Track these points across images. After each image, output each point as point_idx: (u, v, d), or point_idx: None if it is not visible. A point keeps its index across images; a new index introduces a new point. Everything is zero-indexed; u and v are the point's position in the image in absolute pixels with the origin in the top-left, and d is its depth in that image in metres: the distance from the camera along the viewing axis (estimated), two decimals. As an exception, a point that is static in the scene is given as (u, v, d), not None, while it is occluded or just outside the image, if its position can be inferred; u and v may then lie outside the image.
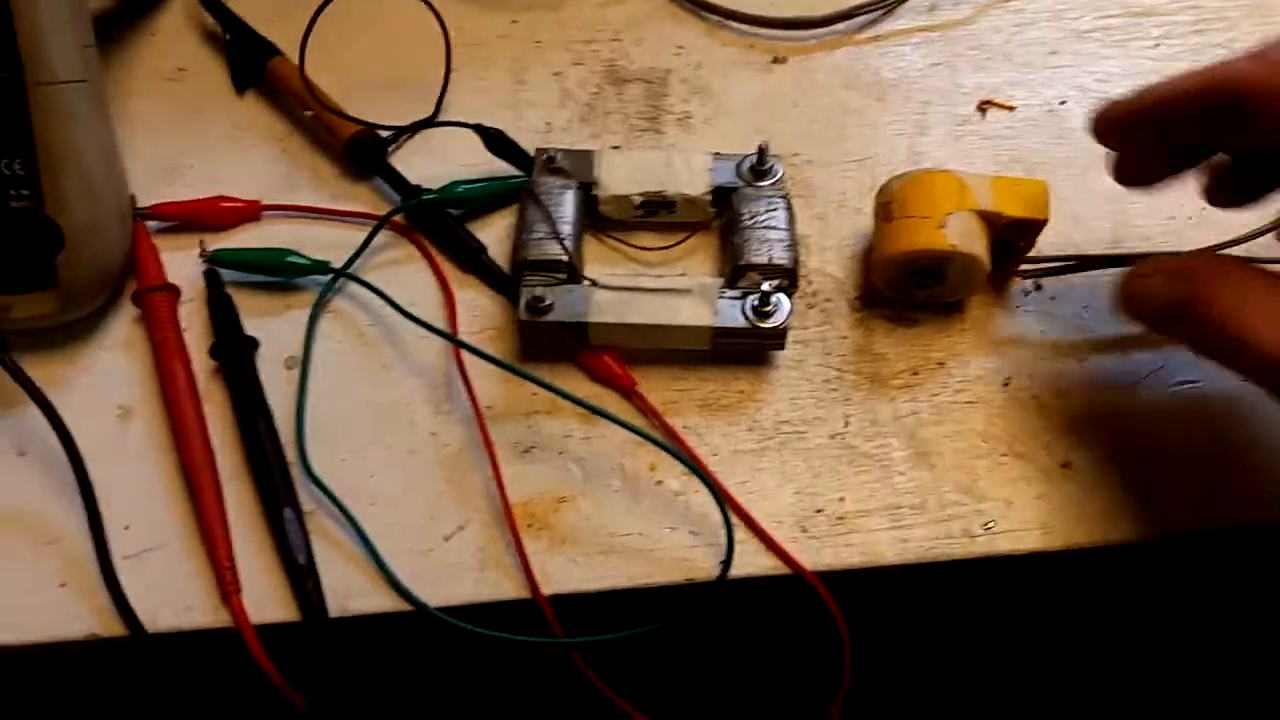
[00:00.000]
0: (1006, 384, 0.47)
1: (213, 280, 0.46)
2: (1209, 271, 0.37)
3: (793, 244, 0.46)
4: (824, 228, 0.50)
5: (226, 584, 0.41)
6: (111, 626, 0.40)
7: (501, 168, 0.50)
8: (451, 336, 0.45)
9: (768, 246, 0.45)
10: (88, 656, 0.41)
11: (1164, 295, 0.37)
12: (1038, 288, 0.49)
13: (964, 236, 0.44)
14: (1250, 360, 0.35)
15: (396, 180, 0.49)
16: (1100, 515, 0.44)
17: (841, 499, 0.44)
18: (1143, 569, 0.51)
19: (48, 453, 0.42)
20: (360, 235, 0.48)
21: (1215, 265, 0.39)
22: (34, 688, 0.47)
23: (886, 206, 0.45)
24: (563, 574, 0.42)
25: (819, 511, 0.44)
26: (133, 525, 0.42)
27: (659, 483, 0.44)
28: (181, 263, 0.48)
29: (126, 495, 0.43)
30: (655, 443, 0.42)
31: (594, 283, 0.45)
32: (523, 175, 0.49)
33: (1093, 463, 0.45)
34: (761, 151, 0.47)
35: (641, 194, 0.48)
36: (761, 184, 0.48)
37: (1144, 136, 0.40)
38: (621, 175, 0.48)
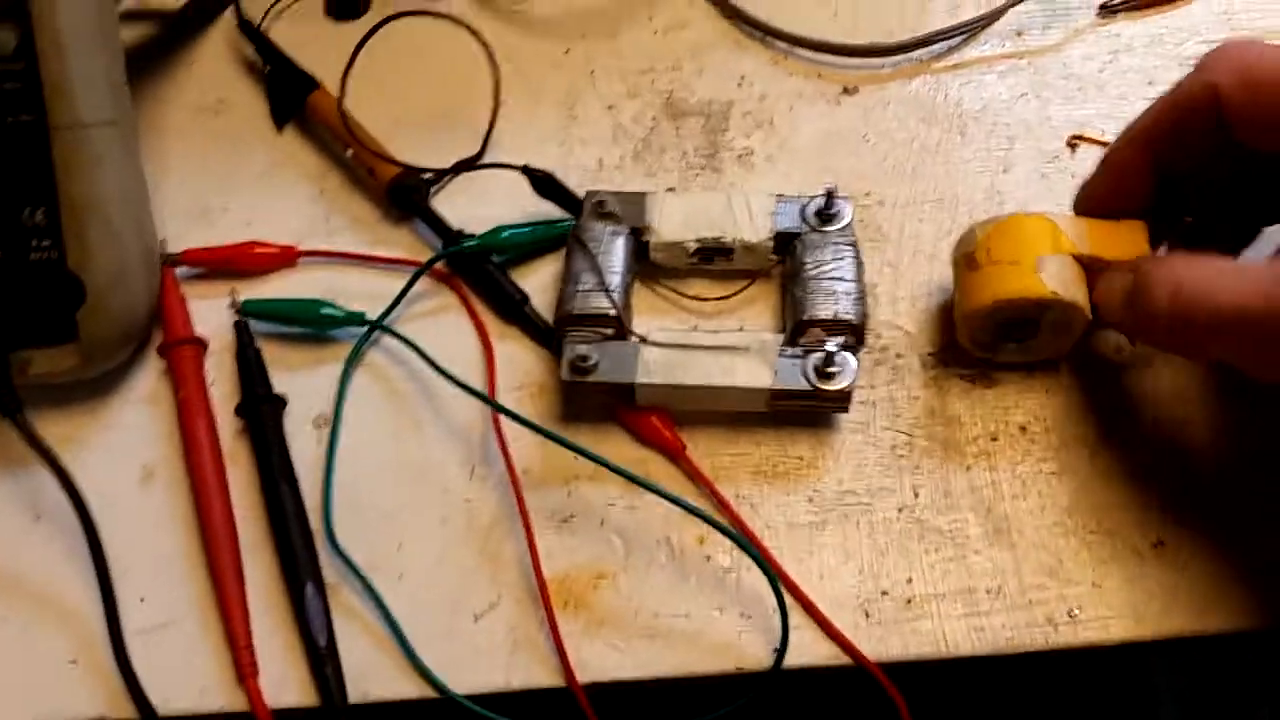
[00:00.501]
0: (1095, 452, 0.42)
1: (242, 333, 0.44)
2: (1154, 260, 0.38)
3: (861, 297, 0.42)
4: (896, 276, 0.46)
5: (244, 665, 0.38)
6: (122, 708, 0.38)
7: (549, 209, 0.47)
8: (488, 399, 0.42)
9: (833, 300, 0.41)
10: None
11: (1121, 288, 0.38)
12: (1131, 343, 0.44)
13: (1062, 282, 0.39)
14: (1210, 326, 0.34)
15: (438, 224, 0.46)
16: (1197, 601, 0.39)
17: (909, 580, 0.40)
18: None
19: (64, 517, 0.40)
20: (399, 282, 0.45)
21: (1160, 257, 0.41)
22: None
23: (970, 256, 0.41)
24: (601, 660, 0.39)
25: (884, 594, 0.40)
26: (149, 598, 0.40)
27: (708, 558, 0.41)
28: (210, 311, 0.46)
29: (144, 564, 0.41)
30: (703, 517, 0.38)
31: (643, 340, 0.41)
32: (570, 219, 0.46)
33: (1188, 542, 0.40)
34: (829, 195, 0.43)
35: (697, 240, 0.44)
36: (828, 229, 0.44)
37: (1134, 172, 0.40)
38: (676, 220, 0.44)
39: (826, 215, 0.44)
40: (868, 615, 0.39)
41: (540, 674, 0.39)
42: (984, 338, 0.42)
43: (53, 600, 0.40)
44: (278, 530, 0.40)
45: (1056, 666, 0.40)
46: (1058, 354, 0.43)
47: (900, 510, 0.41)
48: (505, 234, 0.45)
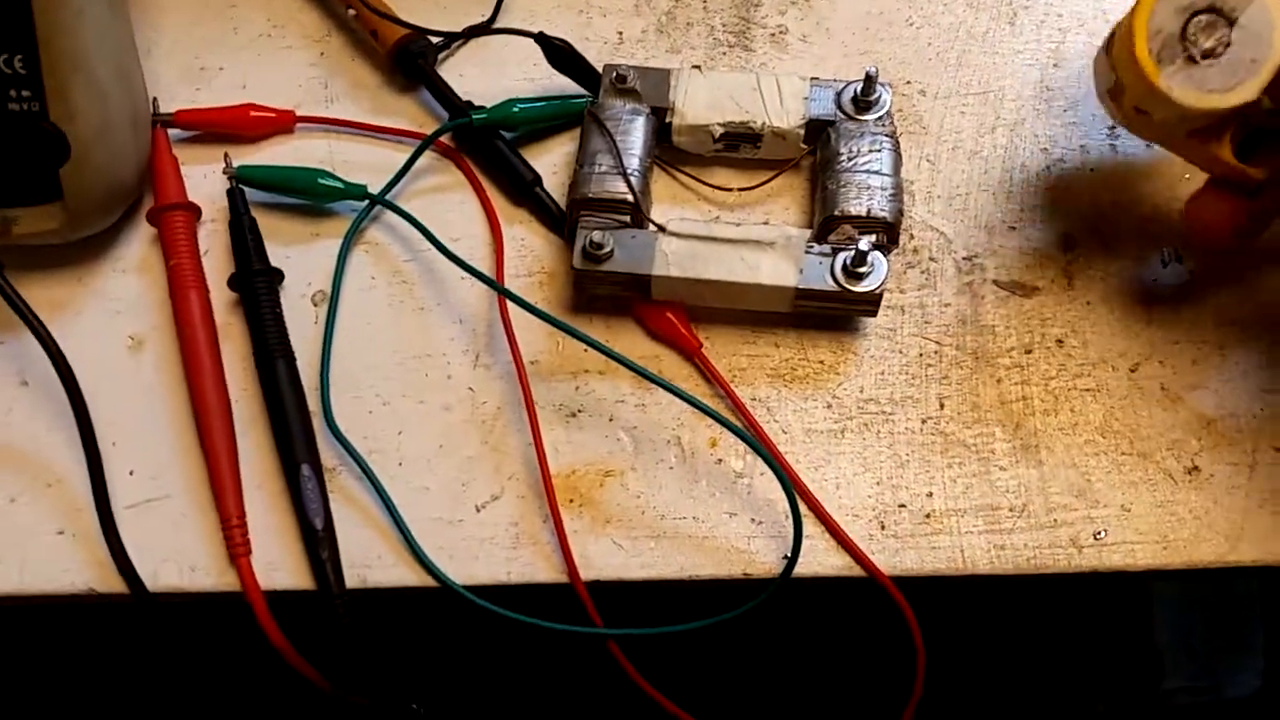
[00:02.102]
0: (1134, 370, 0.40)
1: (236, 200, 0.41)
2: None
3: (897, 193, 0.39)
4: (933, 173, 0.43)
5: (235, 544, 0.37)
6: (110, 582, 0.37)
7: (564, 84, 0.44)
8: (495, 283, 0.39)
9: (867, 195, 0.39)
10: (86, 611, 0.38)
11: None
12: (1178, 259, 0.42)
13: None
14: None
15: (445, 94, 0.43)
16: (1228, 531, 0.38)
17: (930, 494, 0.38)
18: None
19: (52, 384, 0.38)
20: (401, 155, 0.42)
21: None
22: (30, 638, 0.45)
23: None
24: (605, 558, 0.37)
25: (902, 507, 0.38)
26: (138, 471, 0.38)
27: (719, 461, 0.39)
28: (204, 179, 0.43)
29: (133, 436, 0.39)
30: (716, 418, 0.36)
31: (661, 228, 0.39)
32: (587, 95, 0.43)
33: (1224, 470, 0.38)
34: (868, 79, 0.40)
35: (723, 124, 0.41)
36: (865, 117, 0.41)
37: None
38: (701, 101, 0.41)
39: (864, 103, 0.41)
40: (883, 527, 0.38)
41: (542, 569, 0.37)
42: (1171, 27, 0.34)
43: (40, 469, 0.38)
44: (273, 408, 0.38)
45: (1060, 585, 0.39)
46: (1244, 97, 0.34)
47: (924, 421, 0.39)
48: (517, 108, 0.42)
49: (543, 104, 0.43)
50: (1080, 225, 0.42)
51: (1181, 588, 0.80)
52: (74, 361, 0.38)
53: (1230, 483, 0.38)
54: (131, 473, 0.38)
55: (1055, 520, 0.38)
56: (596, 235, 0.38)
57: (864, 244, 0.37)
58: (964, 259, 0.42)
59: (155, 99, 0.43)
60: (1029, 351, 0.40)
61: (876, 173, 0.39)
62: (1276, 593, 0.77)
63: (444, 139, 0.43)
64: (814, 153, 0.42)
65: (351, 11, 0.45)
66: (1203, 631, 0.79)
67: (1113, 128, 0.44)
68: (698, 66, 0.45)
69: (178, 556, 0.37)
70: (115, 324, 0.41)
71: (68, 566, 0.37)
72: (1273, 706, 0.76)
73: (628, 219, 0.39)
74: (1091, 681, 0.74)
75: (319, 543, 0.37)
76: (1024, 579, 0.38)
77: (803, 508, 0.38)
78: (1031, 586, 0.38)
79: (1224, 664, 0.79)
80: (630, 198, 0.39)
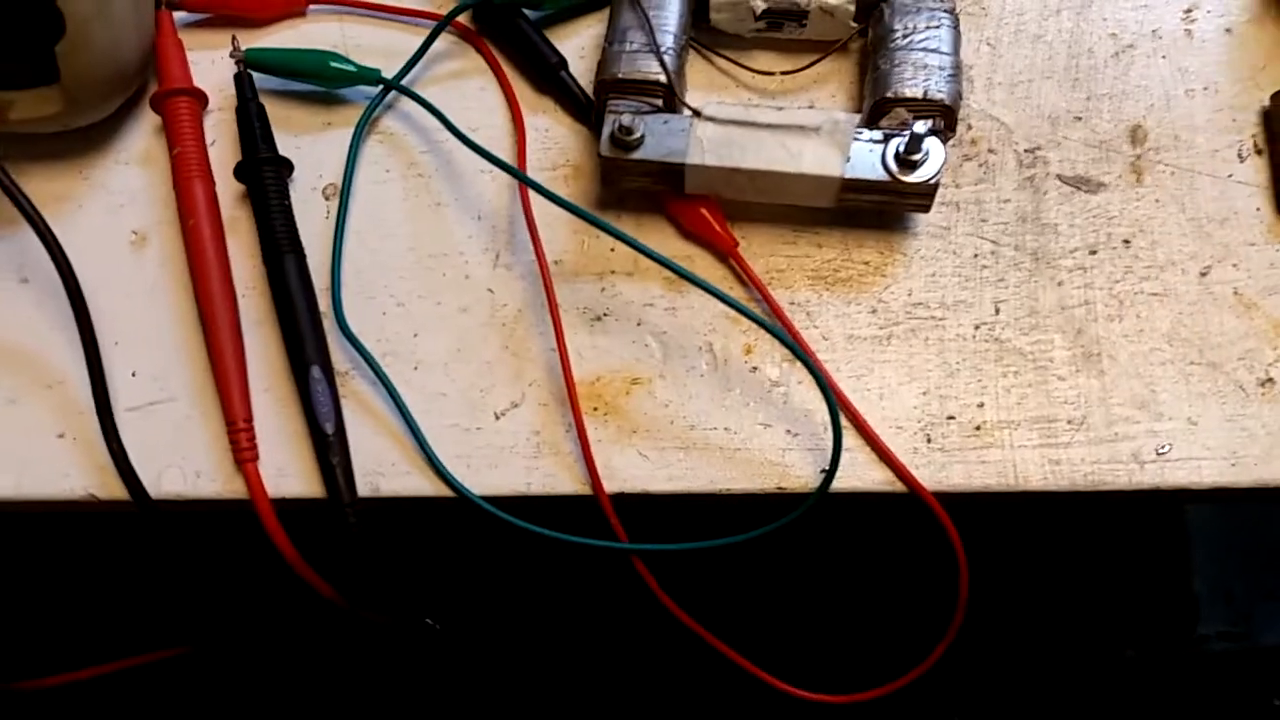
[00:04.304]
0: (1205, 274, 0.37)
1: (244, 86, 0.39)
2: None
3: (956, 74, 0.36)
4: (994, 58, 0.40)
5: (241, 449, 0.35)
6: (111, 488, 0.35)
7: (594, -39, 0.40)
8: (516, 172, 0.36)
9: (924, 75, 0.35)
10: (86, 519, 0.36)
11: None
12: (1258, 151, 0.38)
13: None
14: None
15: (464, -28, 0.40)
16: (1306, 448, 0.35)
17: (981, 405, 0.36)
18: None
19: (52, 280, 0.36)
20: (418, 39, 0.39)
21: None
22: (29, 547, 0.44)
23: None
24: (630, 470, 0.35)
25: (950, 419, 0.35)
26: (140, 372, 0.37)
27: (754, 369, 0.36)
28: (211, 65, 0.40)
29: (136, 336, 0.37)
30: (753, 318, 0.34)
31: (696, 113, 0.36)
32: (618, -28, 0.39)
33: (1306, 382, 0.35)
34: (925, -49, 0.37)
35: (766, 0, 0.38)
36: (920, -5, 0.37)
37: None
38: (740, -23, 0.38)
39: (922, -23, 0.37)
40: (929, 440, 0.35)
41: (564, 480, 0.35)
42: None
43: (40, 369, 0.37)
44: (281, 306, 0.36)
45: (1106, 514, 0.36)
46: None
47: (977, 327, 0.36)
48: (543, -16, 0.39)
49: (569, -19, 0.40)
50: (1151, 116, 0.39)
51: (1222, 533, 0.77)
52: (75, 258, 0.36)
53: (1311, 396, 0.35)
54: (134, 374, 0.37)
55: (1116, 434, 0.35)
56: (626, 119, 0.35)
57: (920, 127, 0.34)
58: (1025, 151, 0.38)
59: (158, -22, 0.41)
60: (1093, 252, 0.37)
61: (935, 51, 0.36)
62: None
63: (463, 20, 0.40)
64: (864, 33, 0.38)
65: (364, -117, 0.41)
66: (1241, 578, 0.77)
67: (1188, 10, 0.40)
68: (738, -58, 0.41)
69: (182, 462, 0.36)
70: (118, 219, 0.39)
71: (67, 471, 0.36)
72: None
73: (660, 103, 0.36)
74: (1124, 626, 0.72)
75: (329, 448, 0.35)
76: (1076, 497, 0.35)
77: (843, 419, 0.35)
78: (1075, 516, 0.36)
79: (1260, 610, 0.77)
80: (664, 78, 0.36)
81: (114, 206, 0.39)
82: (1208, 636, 0.76)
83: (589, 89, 0.39)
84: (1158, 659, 0.73)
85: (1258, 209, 0.37)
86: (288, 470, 0.35)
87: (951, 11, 0.36)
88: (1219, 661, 0.75)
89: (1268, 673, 0.75)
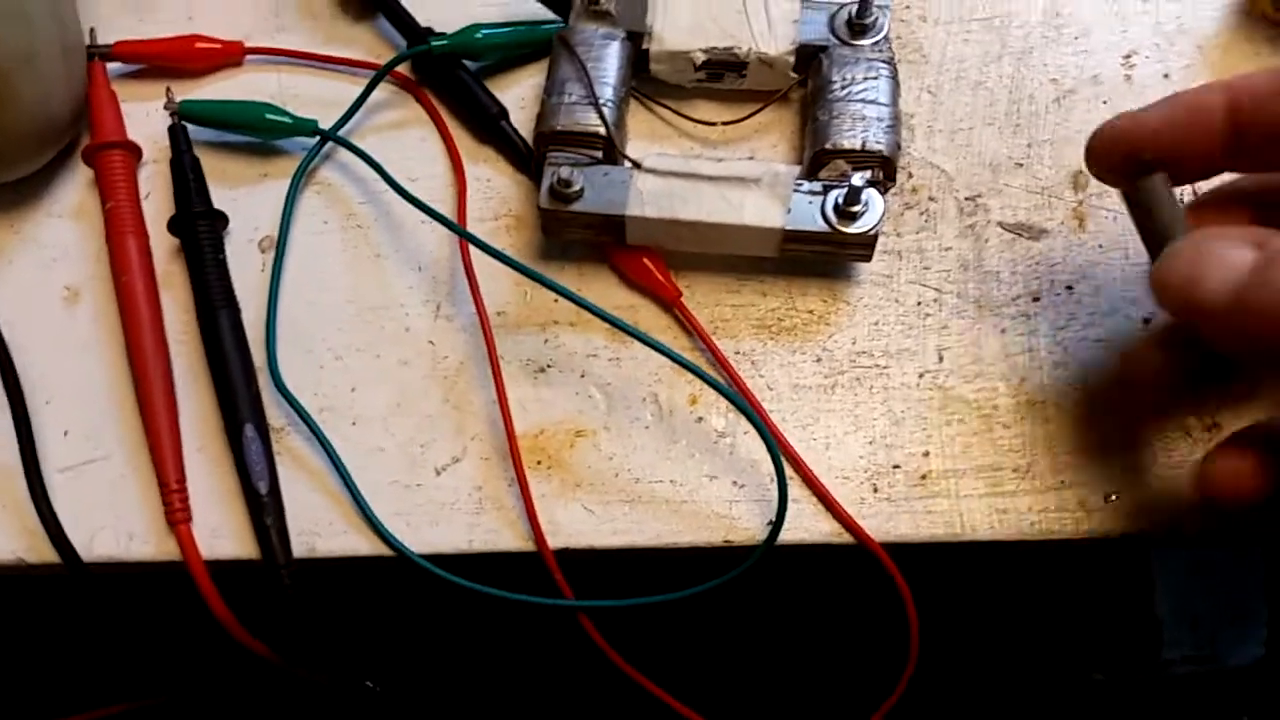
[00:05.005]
0: (1148, 321, 0.37)
1: (178, 138, 0.38)
2: None
3: (895, 124, 0.36)
4: (934, 105, 0.40)
5: (174, 510, 0.34)
6: (41, 552, 0.34)
7: (534, 10, 0.40)
8: (457, 227, 0.36)
9: (862, 126, 0.35)
10: (15, 584, 0.35)
11: (1227, 267, 0.26)
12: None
13: None
14: None
15: (403, 21, 0.40)
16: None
17: (926, 454, 0.35)
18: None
19: (-21, 338, 0.36)
20: (357, 89, 0.39)
21: None
22: None
23: None
24: (574, 525, 0.35)
25: (896, 468, 0.35)
26: (72, 431, 0.36)
27: (699, 420, 0.36)
28: (146, 117, 0.40)
29: (68, 395, 0.36)
30: (696, 372, 0.33)
31: (636, 165, 0.36)
32: (558, 20, 0.39)
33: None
34: (864, 1, 0.37)
35: (705, 51, 0.37)
36: (860, 42, 0.37)
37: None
38: (682, 26, 0.38)
39: (859, 26, 0.37)
40: (876, 490, 0.35)
41: (507, 536, 0.35)
42: None
43: (-35, 431, 0.36)
44: (214, 364, 0.36)
45: (1061, 551, 0.36)
46: None
47: (921, 375, 0.36)
48: (481, 34, 0.39)
49: (509, 30, 0.39)
50: (1094, 163, 0.39)
51: (1184, 556, 0.77)
52: (4, 314, 0.35)
53: (1254, 441, 0.35)
54: (66, 433, 0.36)
55: (1063, 482, 0.35)
56: (565, 172, 0.35)
57: (858, 179, 0.34)
58: (966, 199, 0.38)
59: (93, 29, 0.40)
60: (1036, 299, 0.37)
61: (873, 102, 0.36)
62: (1280, 561, 0.75)
63: (402, 70, 0.40)
64: (804, 83, 0.38)
65: (303, -67, 0.41)
66: (1205, 601, 0.77)
67: (1128, 56, 0.40)
68: (679, -9, 0.41)
69: (115, 523, 0.35)
70: (50, 274, 0.38)
71: (-5, 534, 0.35)
72: (1275, 675, 0.74)
73: (600, 155, 0.36)
74: (1089, 650, 0.72)
75: (263, 508, 0.34)
76: (1024, 546, 0.35)
77: (789, 469, 0.35)
78: (1031, 552, 0.36)
79: (1225, 634, 0.77)
80: (602, 130, 0.35)
81: (46, 261, 0.38)
82: (1173, 660, 0.76)
83: (530, 138, 0.38)
84: (1125, 683, 0.73)
85: (1198, 253, 0.37)
86: (222, 531, 0.35)
87: (890, 62, 0.36)
88: (1185, 684, 0.75)
89: (1233, 694, 0.75)
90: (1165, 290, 0.27)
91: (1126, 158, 0.30)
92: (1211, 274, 0.26)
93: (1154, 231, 0.30)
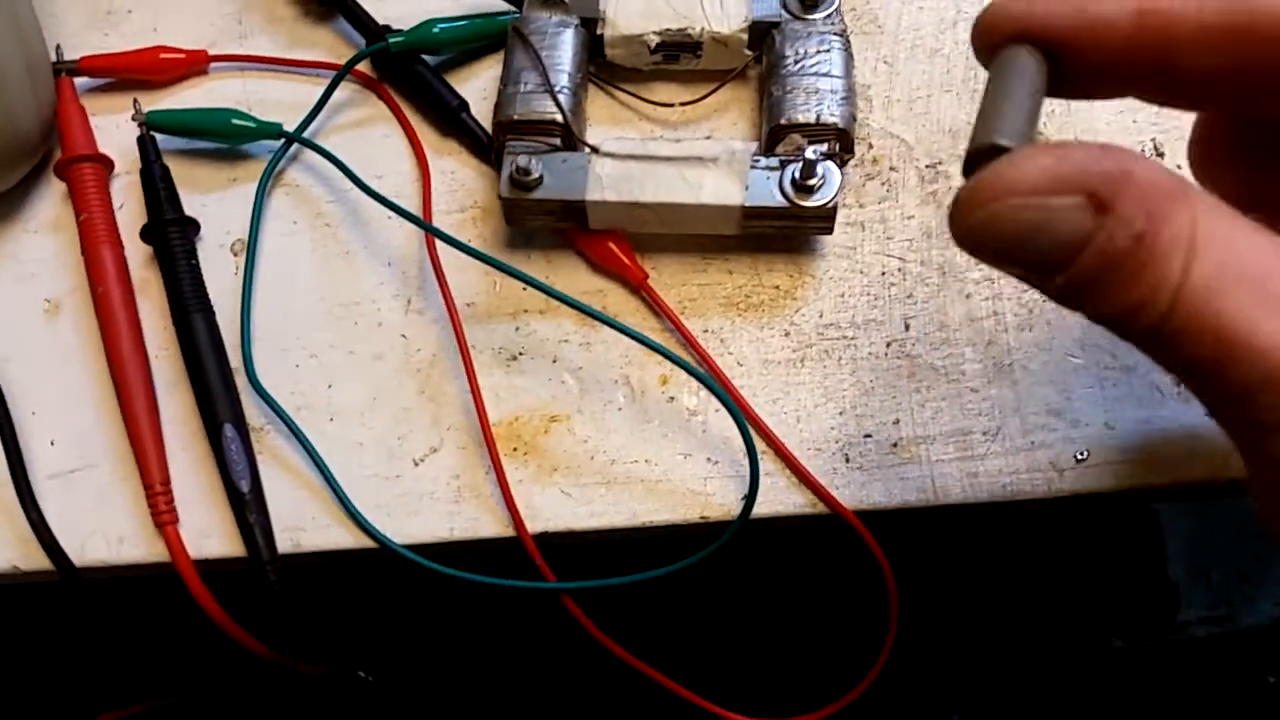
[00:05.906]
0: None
1: (147, 148, 0.39)
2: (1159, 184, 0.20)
3: (849, 97, 0.36)
4: (891, 75, 0.40)
5: (160, 512, 0.35)
6: (35, 559, 0.35)
7: (490, 2, 0.40)
8: (422, 222, 0.37)
9: (816, 99, 0.36)
10: (10, 591, 0.36)
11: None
12: (1159, 154, 0.38)
13: None
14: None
15: (361, 20, 0.40)
16: (1220, 446, 0.35)
17: (896, 421, 0.36)
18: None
19: (-37, 354, 0.37)
20: (320, 90, 0.39)
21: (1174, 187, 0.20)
22: None
23: None
24: (552, 509, 0.35)
25: (867, 437, 0.36)
26: (59, 440, 0.37)
27: (671, 399, 0.36)
28: (115, 129, 0.40)
29: (53, 405, 0.37)
30: (665, 354, 0.34)
31: (595, 150, 0.36)
32: (513, 10, 0.40)
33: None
34: (814, -26, 0.37)
35: (659, 33, 0.38)
36: (812, 16, 0.37)
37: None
38: (635, 8, 0.38)
39: (811, 1, 0.37)
40: (848, 460, 0.35)
41: (487, 523, 0.35)
42: None
43: (-46, 446, 0.37)
44: (191, 367, 0.36)
45: (1055, 511, 0.36)
46: None
47: (889, 344, 0.37)
48: (437, 29, 0.39)
49: (465, 23, 0.40)
50: (1051, 122, 0.39)
51: (1196, 517, 0.77)
52: (-14, 329, 0.36)
53: (1222, 393, 0.35)
54: (53, 442, 0.37)
55: (1033, 443, 0.35)
56: (523, 160, 0.35)
57: (811, 153, 0.34)
58: (927, 167, 0.38)
59: (59, 46, 0.41)
60: (1001, 263, 0.37)
61: (826, 75, 0.36)
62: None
63: (363, 68, 0.40)
64: (760, 60, 0.39)
65: (260, -63, 0.41)
66: (1219, 561, 0.77)
67: (1089, 15, 0.40)
68: (635, -26, 0.41)
69: (105, 528, 0.36)
70: (29, 288, 0.39)
71: (-12, 544, 0.35)
72: (1292, 633, 0.74)
73: (558, 141, 0.36)
74: (1105, 616, 0.72)
75: (246, 506, 0.35)
76: (997, 508, 0.36)
77: (761, 444, 0.35)
78: (1037, 517, 0.36)
79: (1240, 593, 0.77)
80: (559, 118, 0.36)
81: (25, 276, 0.39)
82: (1189, 622, 0.76)
83: (491, 130, 0.39)
84: (1145, 647, 0.73)
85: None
86: (209, 531, 0.35)
87: (842, 34, 0.37)
88: (1204, 646, 0.75)
89: (1252, 652, 0.75)
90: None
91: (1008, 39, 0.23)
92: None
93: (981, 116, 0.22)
